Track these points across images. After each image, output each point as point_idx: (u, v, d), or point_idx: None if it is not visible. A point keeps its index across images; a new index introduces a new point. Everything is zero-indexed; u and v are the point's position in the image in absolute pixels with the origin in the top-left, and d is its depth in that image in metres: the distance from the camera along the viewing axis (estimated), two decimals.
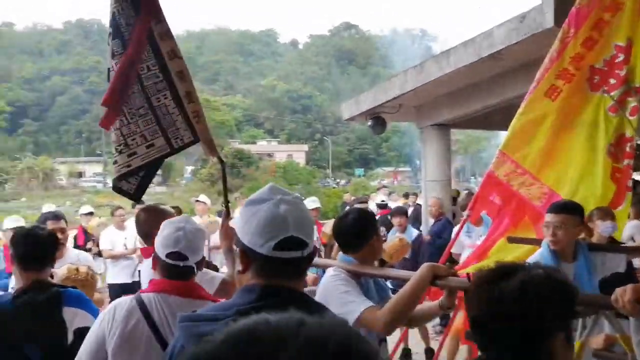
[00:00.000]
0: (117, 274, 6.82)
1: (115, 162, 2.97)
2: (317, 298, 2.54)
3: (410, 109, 8.81)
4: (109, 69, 3.08)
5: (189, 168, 51.00)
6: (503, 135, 4.39)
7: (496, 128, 9.69)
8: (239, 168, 40.62)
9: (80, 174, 59.45)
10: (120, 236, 7.02)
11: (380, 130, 9.04)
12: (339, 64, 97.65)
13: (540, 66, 3.89)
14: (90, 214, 8.24)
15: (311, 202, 7.39)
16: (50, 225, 3.75)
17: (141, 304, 2.24)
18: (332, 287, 2.44)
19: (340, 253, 2.68)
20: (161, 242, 2.35)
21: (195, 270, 2.39)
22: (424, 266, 2.23)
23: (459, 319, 4.36)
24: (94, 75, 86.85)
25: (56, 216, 4.09)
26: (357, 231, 2.58)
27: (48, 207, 8.63)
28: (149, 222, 2.94)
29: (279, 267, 1.44)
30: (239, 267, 1.52)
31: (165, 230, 2.37)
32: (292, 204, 1.46)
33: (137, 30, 2.94)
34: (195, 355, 0.63)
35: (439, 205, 7.25)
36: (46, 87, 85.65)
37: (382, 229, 5.93)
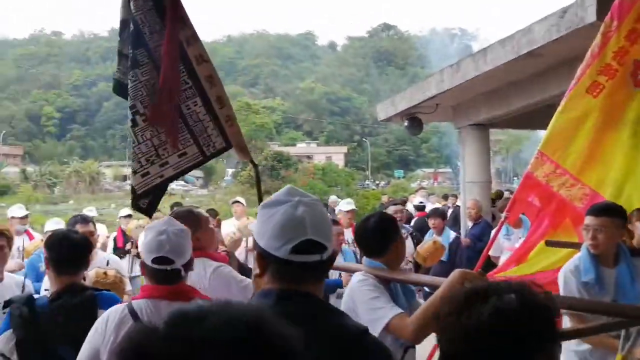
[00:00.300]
0: None
1: (146, 174, 2.83)
2: (343, 303, 2.50)
3: (448, 108, 8.65)
4: (116, 79, 3.04)
5: (230, 171, 51.67)
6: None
7: (537, 127, 9.44)
8: (278, 170, 40.82)
9: (124, 177, 60.98)
10: None
11: (416, 130, 8.92)
12: (377, 65, 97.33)
13: (582, 63, 3.74)
14: (129, 216, 8.37)
15: (347, 204, 7.30)
16: (79, 228, 3.78)
17: (132, 312, 2.23)
18: (360, 292, 2.40)
19: (365, 258, 2.63)
20: (145, 248, 2.34)
21: (183, 272, 2.36)
22: (455, 272, 2.17)
23: None
24: None
25: (85, 219, 4.13)
26: (380, 235, 2.54)
27: (89, 211, 8.79)
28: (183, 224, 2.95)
29: (296, 271, 1.40)
30: (257, 270, 1.48)
31: (148, 235, 2.36)
32: (310, 206, 1.42)
33: (168, 41, 2.87)
34: (138, 330, 0.76)
35: (478, 207, 7.09)
36: (93, 93, 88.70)
37: (404, 231, 5.84)
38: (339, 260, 5.15)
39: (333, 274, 5.02)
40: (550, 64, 6.10)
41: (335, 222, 5.90)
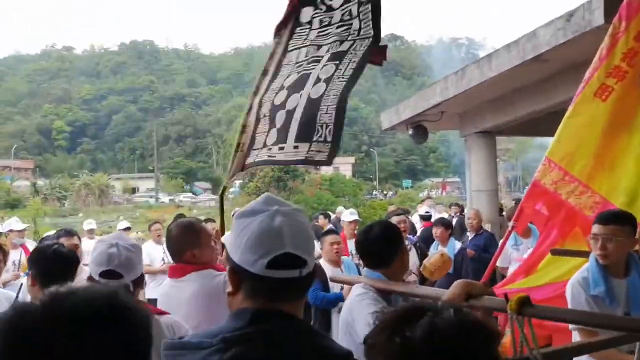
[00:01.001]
0: (153, 289, 6.80)
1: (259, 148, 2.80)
2: (342, 317, 2.38)
3: (453, 116, 8.52)
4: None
5: (237, 182, 51.72)
6: None
7: (544, 134, 9.25)
8: (285, 181, 40.72)
9: (133, 190, 61.40)
10: (158, 251, 7.01)
11: (421, 139, 8.79)
12: (384, 75, 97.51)
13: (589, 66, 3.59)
14: (128, 229, 8.30)
15: (350, 215, 7.19)
16: (64, 242, 3.73)
17: None
18: (359, 306, 2.30)
19: (366, 269, 2.50)
20: (94, 261, 2.25)
21: (133, 288, 2.25)
22: (457, 283, 2.02)
23: (504, 339, 4.05)
24: (147, 94, 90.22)
25: (69, 233, 4.13)
26: (384, 245, 2.42)
27: (88, 224, 8.70)
28: (179, 239, 2.82)
29: (273, 288, 1.27)
30: (229, 288, 1.35)
31: (98, 248, 2.27)
32: (288, 216, 1.29)
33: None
34: (15, 309, 0.90)
35: (479, 217, 6.90)
36: (103, 107, 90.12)
37: (407, 241, 5.69)
38: (339, 272, 5.02)
39: (334, 287, 4.88)
40: (557, 69, 5.96)
41: (333, 231, 5.77)
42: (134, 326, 0.92)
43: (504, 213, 8.58)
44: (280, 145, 2.77)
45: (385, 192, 55.16)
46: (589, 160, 3.53)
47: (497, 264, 4.75)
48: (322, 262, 5.09)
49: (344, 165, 63.50)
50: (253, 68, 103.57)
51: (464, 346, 0.99)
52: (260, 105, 3.03)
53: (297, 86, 2.80)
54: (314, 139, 2.57)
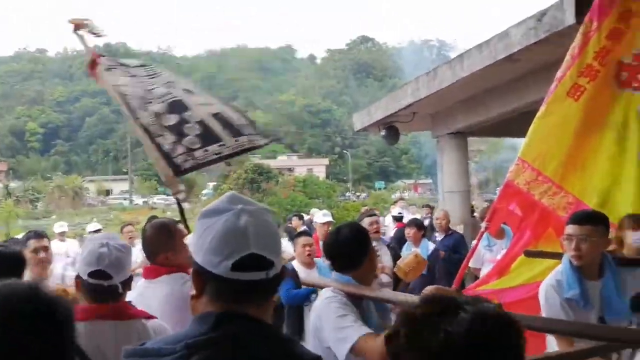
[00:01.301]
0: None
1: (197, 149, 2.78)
2: (311, 321, 2.32)
3: (426, 117, 8.51)
4: None
5: (211, 184, 51.36)
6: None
7: (516, 135, 9.30)
8: (259, 183, 40.56)
9: (107, 192, 60.79)
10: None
11: (393, 140, 8.76)
12: (356, 77, 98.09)
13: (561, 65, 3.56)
14: (98, 230, 8.08)
15: (323, 216, 7.11)
16: (33, 244, 3.70)
17: None
18: (328, 310, 2.24)
19: (335, 272, 2.42)
20: (83, 261, 2.18)
21: (121, 289, 2.20)
22: (427, 290, 1.96)
23: None
24: None
25: (39, 235, 3.98)
26: (353, 247, 2.36)
27: (60, 226, 8.55)
28: (153, 240, 2.80)
29: (238, 291, 1.21)
30: (193, 291, 1.28)
31: (88, 246, 2.22)
32: (254, 216, 1.23)
33: None
34: None
35: (447, 217, 6.87)
36: (76, 109, 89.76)
37: (381, 243, 5.64)
38: (313, 274, 4.92)
39: None
40: (528, 68, 5.96)
41: (305, 233, 5.67)
42: (56, 321, 0.95)
43: (475, 214, 8.60)
44: (220, 144, 2.86)
45: (358, 194, 55.32)
46: (562, 161, 3.50)
47: (470, 265, 4.72)
48: (295, 264, 5.02)
49: (318, 167, 63.61)
50: (226, 70, 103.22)
51: (498, 341, 1.02)
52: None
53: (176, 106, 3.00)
54: (246, 132, 2.92)
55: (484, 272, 5.24)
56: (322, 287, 2.58)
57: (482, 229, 4.08)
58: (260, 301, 1.26)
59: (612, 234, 3.18)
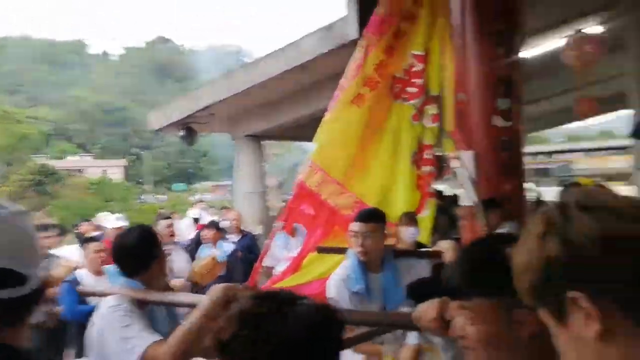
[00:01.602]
0: None
1: None
2: (95, 334, 2.14)
3: (224, 119, 8.52)
4: None
5: None
6: None
7: (308, 140, 9.83)
8: (45, 185, 36.76)
9: None
10: None
11: (191, 141, 8.60)
12: (155, 77, 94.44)
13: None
14: None
15: (116, 220, 6.70)
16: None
17: None
18: (111, 320, 2.09)
19: (123, 278, 2.28)
20: None
21: None
22: (215, 288, 1.90)
23: None
24: None
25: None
26: (143, 249, 2.24)
27: None
28: None
29: None
30: None
31: None
32: (4, 221, 1.05)
33: None
34: None
35: (239, 218, 6.95)
36: None
37: (177, 245, 5.51)
38: (103, 282, 4.59)
39: (93, 300, 4.42)
40: (317, 78, 6.32)
41: (95, 239, 5.28)
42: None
43: (273, 214, 8.84)
44: None
45: (157, 196, 53.25)
46: (347, 163, 3.78)
47: (264, 263, 4.80)
48: (85, 273, 4.62)
49: (115, 168, 59.64)
50: (5, 60, 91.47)
51: (333, 333, 1.06)
52: None
53: None
54: None
55: (278, 270, 5.39)
56: (105, 296, 2.41)
57: (275, 228, 4.22)
58: (11, 324, 1.07)
59: (390, 230, 3.54)
